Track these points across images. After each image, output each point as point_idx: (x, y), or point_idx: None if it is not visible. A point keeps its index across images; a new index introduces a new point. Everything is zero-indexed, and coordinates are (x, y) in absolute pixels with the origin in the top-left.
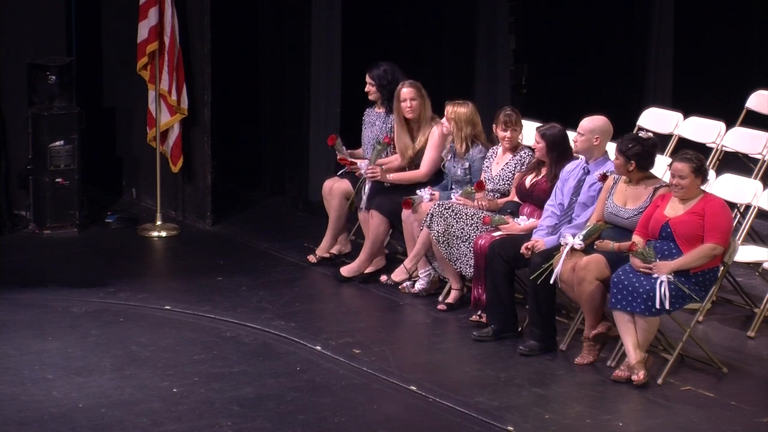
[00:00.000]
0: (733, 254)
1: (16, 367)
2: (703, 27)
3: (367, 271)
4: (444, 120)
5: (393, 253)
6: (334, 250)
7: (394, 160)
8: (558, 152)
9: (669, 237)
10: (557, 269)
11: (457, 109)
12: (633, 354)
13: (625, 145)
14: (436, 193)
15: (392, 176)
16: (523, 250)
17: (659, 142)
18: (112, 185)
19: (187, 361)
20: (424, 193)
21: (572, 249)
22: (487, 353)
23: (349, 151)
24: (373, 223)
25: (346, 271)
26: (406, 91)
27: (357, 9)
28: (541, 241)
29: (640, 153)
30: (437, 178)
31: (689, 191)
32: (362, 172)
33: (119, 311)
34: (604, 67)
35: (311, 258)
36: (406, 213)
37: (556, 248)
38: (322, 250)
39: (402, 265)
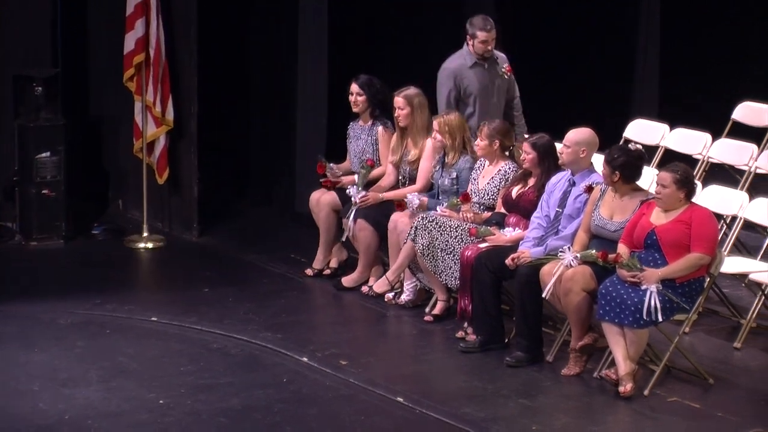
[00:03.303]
0: (719, 265)
1: (2, 379)
2: (689, 40)
3: (370, 283)
4: (435, 133)
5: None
6: (332, 264)
7: (384, 178)
8: (549, 162)
9: (654, 245)
10: (550, 284)
11: (447, 119)
12: (622, 365)
13: (611, 156)
14: (425, 198)
15: (387, 195)
16: (508, 261)
17: (646, 154)
18: (99, 197)
19: (174, 372)
20: (414, 198)
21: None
22: (473, 364)
23: (336, 165)
24: (362, 234)
25: (347, 281)
26: (396, 99)
27: (344, 20)
28: (527, 251)
29: (624, 163)
30: (427, 190)
31: (669, 201)
32: (355, 200)
33: (106, 323)
34: (590, 78)
35: (308, 272)
36: (392, 223)
37: (544, 260)
38: (318, 263)
39: (384, 277)
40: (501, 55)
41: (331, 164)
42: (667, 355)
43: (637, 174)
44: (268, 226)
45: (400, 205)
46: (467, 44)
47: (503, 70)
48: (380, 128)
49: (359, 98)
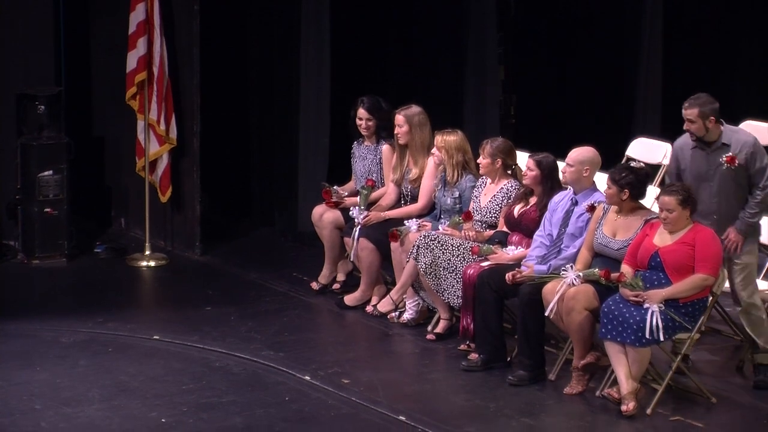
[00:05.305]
0: (722, 284)
1: (4, 398)
2: (693, 58)
3: (373, 302)
4: (434, 150)
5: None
6: (340, 278)
7: (385, 197)
8: (551, 181)
9: (658, 266)
10: (553, 303)
11: (446, 138)
12: (625, 384)
13: (618, 174)
14: (428, 224)
15: (389, 213)
16: (507, 277)
17: (651, 171)
18: (101, 215)
19: (176, 391)
20: (412, 224)
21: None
22: (476, 383)
23: (340, 187)
24: (364, 253)
25: (350, 300)
26: (396, 117)
27: (346, 40)
28: (531, 266)
29: (632, 182)
30: (429, 209)
31: (678, 223)
32: (358, 221)
33: (108, 341)
34: (594, 97)
35: (314, 285)
36: (394, 244)
37: (546, 279)
38: (324, 278)
39: (388, 296)
40: (746, 140)
41: (335, 187)
42: (669, 373)
43: (643, 192)
44: (270, 244)
45: (393, 235)
46: None
47: (723, 159)
48: (385, 147)
49: (369, 123)
